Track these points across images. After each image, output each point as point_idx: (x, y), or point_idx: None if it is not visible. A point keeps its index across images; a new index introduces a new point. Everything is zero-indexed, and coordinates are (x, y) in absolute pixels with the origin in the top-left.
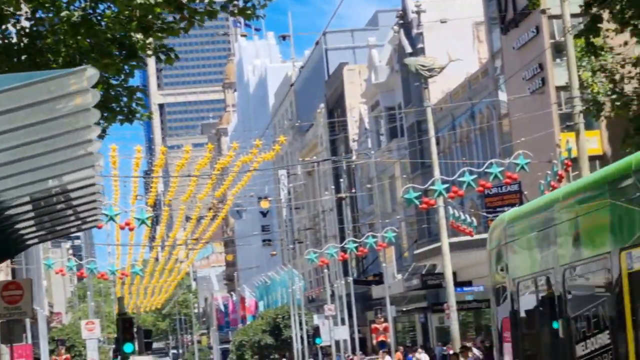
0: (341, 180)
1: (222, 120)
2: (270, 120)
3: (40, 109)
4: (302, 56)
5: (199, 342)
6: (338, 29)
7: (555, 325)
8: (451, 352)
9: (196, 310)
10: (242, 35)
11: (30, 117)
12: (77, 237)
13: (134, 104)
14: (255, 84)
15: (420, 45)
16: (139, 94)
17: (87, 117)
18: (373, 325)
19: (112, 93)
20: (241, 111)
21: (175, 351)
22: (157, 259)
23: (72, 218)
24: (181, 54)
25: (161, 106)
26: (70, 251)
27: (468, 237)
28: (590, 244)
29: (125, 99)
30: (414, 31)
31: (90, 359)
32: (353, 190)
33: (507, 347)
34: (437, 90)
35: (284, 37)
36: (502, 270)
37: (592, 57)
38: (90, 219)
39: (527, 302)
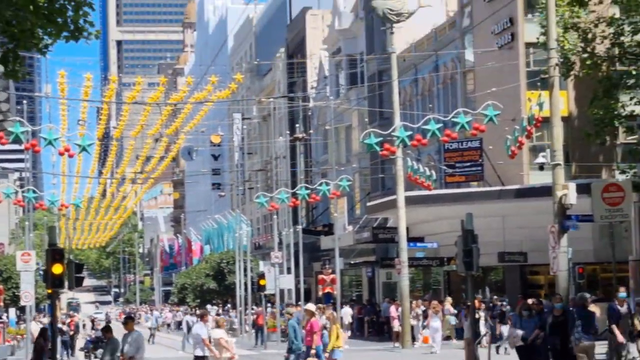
0: (297, 125)
1: (179, 60)
2: (228, 61)
3: None
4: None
5: (142, 282)
6: None
7: None
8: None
9: (141, 250)
10: None
11: None
12: (24, 170)
13: (81, 21)
14: (216, 25)
15: None
16: (86, 9)
17: None
18: (320, 276)
19: (57, 5)
20: (199, 52)
21: (117, 290)
22: (104, 195)
23: None
24: None
25: (119, 43)
26: (17, 183)
27: (423, 192)
28: None
29: (71, 13)
30: None
31: (24, 291)
32: (310, 131)
33: None
34: (401, 41)
35: None
36: None
37: (565, 14)
38: None
39: None
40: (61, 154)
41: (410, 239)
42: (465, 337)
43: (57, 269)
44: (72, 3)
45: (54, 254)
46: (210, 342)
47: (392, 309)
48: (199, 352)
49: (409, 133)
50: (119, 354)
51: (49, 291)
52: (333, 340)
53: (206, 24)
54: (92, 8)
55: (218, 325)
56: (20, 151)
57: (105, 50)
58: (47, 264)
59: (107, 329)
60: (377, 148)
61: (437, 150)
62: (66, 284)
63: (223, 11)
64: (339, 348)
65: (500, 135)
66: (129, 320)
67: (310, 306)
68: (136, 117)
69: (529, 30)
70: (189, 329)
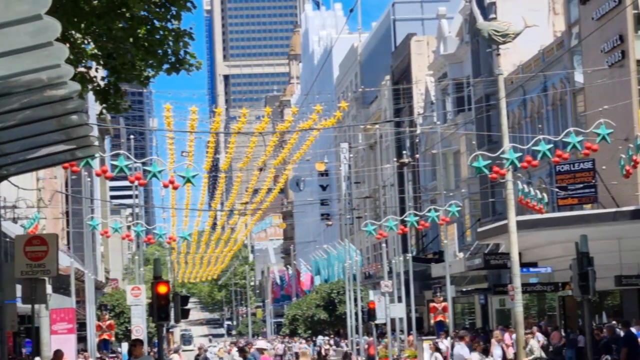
0: (404, 152)
1: (285, 92)
2: (334, 91)
3: None
4: (369, 29)
5: (254, 314)
6: (407, 0)
7: None
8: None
9: (252, 283)
10: None
11: None
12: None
13: (182, 52)
14: (321, 56)
15: (492, 16)
16: (186, 39)
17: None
18: (431, 305)
19: (157, 37)
20: (305, 83)
21: (229, 322)
22: (214, 228)
23: (58, 137)
24: (248, 25)
25: (226, 77)
26: (130, 218)
27: (535, 216)
28: None
29: (171, 44)
30: (487, 1)
31: (135, 325)
32: (417, 156)
33: None
34: (508, 63)
35: (351, 11)
36: None
37: None
38: (83, 140)
39: None
40: (165, 186)
41: (523, 264)
42: None
43: (163, 301)
44: (173, 34)
45: (159, 285)
46: None
47: (507, 336)
48: None
49: (519, 155)
50: None
51: (155, 324)
52: None
53: (311, 55)
54: (192, 38)
55: (474, 349)
56: (132, 187)
57: (213, 84)
58: (152, 296)
59: (135, 343)
60: (486, 171)
61: (548, 173)
62: (172, 316)
63: (328, 41)
64: None
65: (613, 156)
66: (137, 343)
67: (261, 344)
68: (243, 149)
69: None
70: None
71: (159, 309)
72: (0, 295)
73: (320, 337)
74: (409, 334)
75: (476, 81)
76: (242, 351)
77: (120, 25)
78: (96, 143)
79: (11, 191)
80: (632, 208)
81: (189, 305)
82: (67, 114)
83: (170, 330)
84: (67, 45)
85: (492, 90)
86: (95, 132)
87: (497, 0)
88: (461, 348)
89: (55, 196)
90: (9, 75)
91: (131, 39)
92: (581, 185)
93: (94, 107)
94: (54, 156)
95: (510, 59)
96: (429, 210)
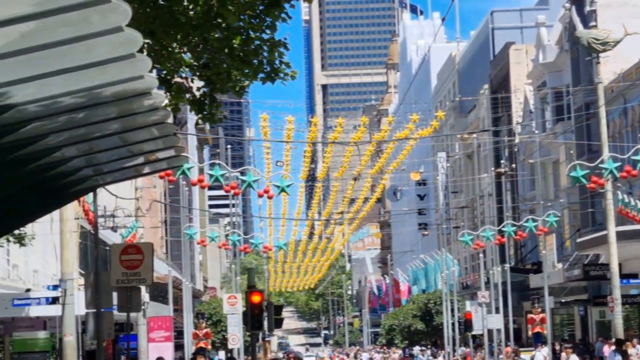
0: (502, 161)
1: (383, 101)
2: (431, 100)
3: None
4: (467, 37)
5: (351, 324)
6: (506, 8)
7: None
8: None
9: (349, 292)
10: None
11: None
12: (234, 215)
13: (277, 62)
14: (418, 64)
15: (592, 24)
16: (281, 49)
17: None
18: (529, 316)
19: (252, 47)
20: (403, 92)
21: (326, 332)
22: (311, 237)
23: (147, 147)
24: (346, 35)
25: (324, 87)
26: (227, 227)
27: (636, 226)
28: None
29: (266, 54)
30: (587, 9)
31: (231, 334)
32: (513, 165)
33: None
34: (608, 72)
35: (443, 19)
36: None
37: None
38: (170, 151)
39: None
40: (260, 195)
41: (624, 276)
42: None
43: (257, 311)
44: (267, 44)
45: (252, 295)
46: None
47: (606, 348)
48: None
49: (618, 164)
50: None
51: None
52: None
53: (409, 64)
54: (286, 48)
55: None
56: (230, 197)
57: (311, 94)
58: (245, 305)
59: (196, 356)
60: (584, 181)
61: None
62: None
63: (425, 50)
64: None
65: None
66: (197, 356)
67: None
68: (340, 158)
69: None
70: None
71: (253, 318)
72: (98, 303)
73: (417, 347)
74: (506, 345)
75: (576, 90)
76: None
77: (216, 35)
78: (184, 153)
79: (110, 200)
80: None
81: (286, 314)
82: (154, 125)
83: (267, 339)
84: (164, 55)
85: (592, 98)
86: (193, 142)
87: (598, 7)
88: (613, 356)
89: (154, 205)
90: (95, 87)
91: (226, 49)
92: None
93: (192, 116)
94: (144, 166)
95: (610, 67)
96: (527, 221)
